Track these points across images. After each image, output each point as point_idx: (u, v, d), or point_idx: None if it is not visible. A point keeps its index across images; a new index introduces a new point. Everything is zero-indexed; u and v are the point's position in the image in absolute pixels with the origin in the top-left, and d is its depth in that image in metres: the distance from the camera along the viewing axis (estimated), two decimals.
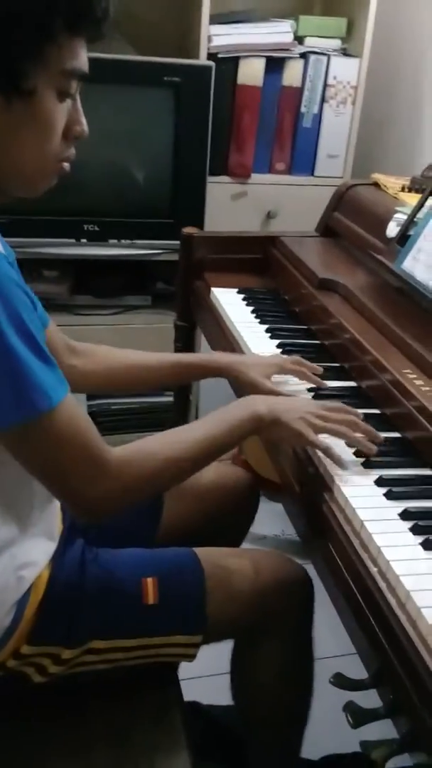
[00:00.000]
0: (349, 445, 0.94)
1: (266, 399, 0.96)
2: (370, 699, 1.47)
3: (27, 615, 0.87)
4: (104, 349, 1.13)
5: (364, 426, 0.94)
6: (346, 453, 0.94)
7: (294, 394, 1.09)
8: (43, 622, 0.87)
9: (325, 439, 0.93)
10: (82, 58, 0.74)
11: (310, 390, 1.12)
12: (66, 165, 0.80)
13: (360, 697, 1.45)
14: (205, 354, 1.20)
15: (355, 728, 1.37)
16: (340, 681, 1.43)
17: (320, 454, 0.92)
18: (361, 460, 0.93)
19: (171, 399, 2.03)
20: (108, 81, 0.74)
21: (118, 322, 1.97)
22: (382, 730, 1.43)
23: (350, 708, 1.40)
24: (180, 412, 1.86)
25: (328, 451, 0.91)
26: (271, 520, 1.25)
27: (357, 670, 1.51)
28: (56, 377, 0.74)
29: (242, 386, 1.10)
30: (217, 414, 0.92)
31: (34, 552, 0.89)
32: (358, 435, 0.93)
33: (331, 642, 1.10)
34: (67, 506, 0.82)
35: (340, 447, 0.94)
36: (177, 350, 1.71)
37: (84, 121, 0.79)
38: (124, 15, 0.78)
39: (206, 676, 1.13)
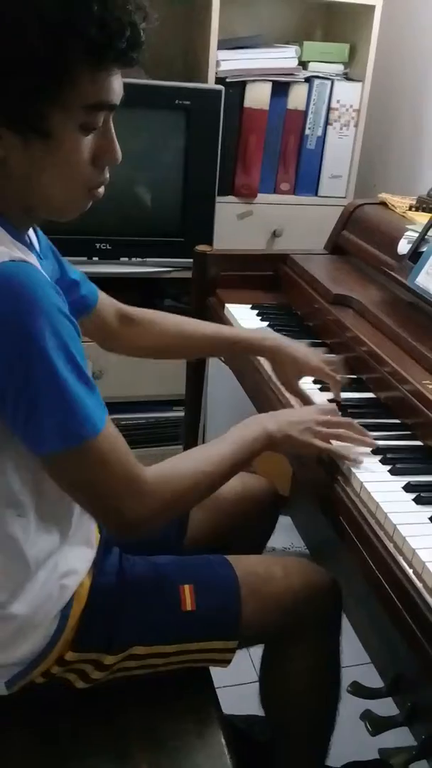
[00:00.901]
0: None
1: (273, 416, 0.99)
2: (386, 707, 1.50)
3: (71, 623, 0.89)
4: (156, 316, 1.20)
5: (359, 427, 1.00)
6: (371, 460, 0.97)
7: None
8: (86, 629, 0.89)
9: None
10: (109, 89, 0.72)
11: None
12: (100, 191, 0.80)
13: (376, 705, 1.48)
14: (249, 332, 1.24)
15: (374, 735, 1.40)
16: (358, 690, 1.47)
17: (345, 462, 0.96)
18: (389, 467, 0.96)
19: (181, 414, 2.06)
20: (122, 103, 0.77)
21: None
22: (399, 738, 1.45)
23: (368, 716, 1.43)
24: (190, 428, 1.89)
25: (335, 454, 0.96)
26: (279, 533, 1.29)
27: (372, 680, 1.54)
28: (98, 402, 0.76)
29: (281, 372, 1.17)
30: (234, 432, 0.95)
31: (75, 560, 0.91)
32: (356, 435, 0.98)
33: (346, 652, 1.12)
34: (106, 526, 0.84)
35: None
36: (189, 364, 1.74)
37: (116, 147, 0.77)
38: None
39: (224, 686, 1.15)
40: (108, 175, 0.80)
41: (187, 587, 0.94)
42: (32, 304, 0.69)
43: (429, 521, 0.87)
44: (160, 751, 0.90)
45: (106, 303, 1.14)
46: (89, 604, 0.90)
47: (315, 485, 1.01)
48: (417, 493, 0.91)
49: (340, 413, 1.05)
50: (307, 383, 1.20)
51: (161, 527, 0.88)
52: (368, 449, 0.99)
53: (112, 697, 0.95)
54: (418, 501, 0.90)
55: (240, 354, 1.26)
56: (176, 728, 0.92)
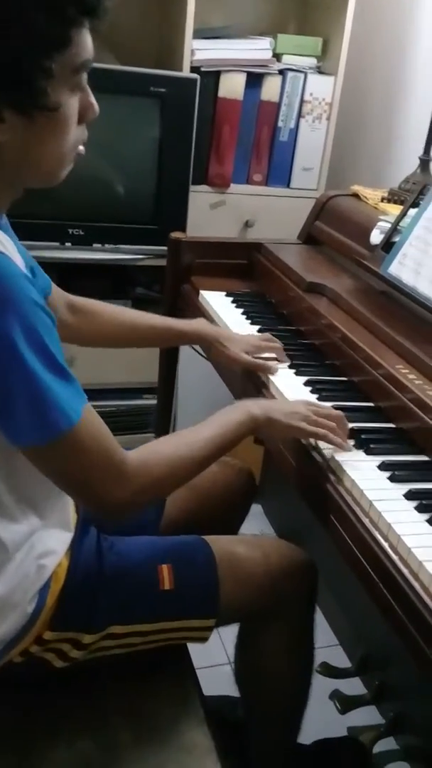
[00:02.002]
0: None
1: (258, 401, 1.00)
2: (354, 687, 1.54)
3: (49, 602, 0.89)
4: (101, 306, 1.21)
5: (347, 424, 1.00)
6: (348, 441, 1.00)
7: (271, 366, 1.20)
8: (64, 609, 0.90)
9: None
10: (88, 46, 0.74)
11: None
12: (81, 148, 0.81)
13: (344, 685, 1.52)
14: (192, 322, 1.29)
15: (343, 714, 1.43)
16: (327, 670, 1.50)
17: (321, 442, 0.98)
18: (363, 448, 0.99)
19: (151, 402, 2.07)
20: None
21: None
22: (367, 716, 1.50)
23: (337, 696, 1.47)
24: (161, 415, 1.90)
25: (327, 438, 0.96)
26: (249, 520, 1.31)
27: (340, 661, 1.58)
28: (75, 391, 0.76)
29: (223, 358, 1.23)
30: (217, 417, 0.95)
31: (53, 541, 0.91)
32: (340, 432, 0.98)
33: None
34: (92, 510, 0.85)
35: None
36: (162, 351, 1.75)
37: (94, 101, 0.79)
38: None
39: (197, 668, 1.17)
40: (86, 132, 0.81)
41: (165, 567, 0.95)
42: (4, 298, 0.69)
43: (403, 497, 0.89)
44: (141, 726, 0.91)
45: (57, 293, 1.14)
46: (67, 584, 0.91)
47: (292, 469, 1.03)
48: (391, 472, 0.94)
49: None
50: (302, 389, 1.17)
51: (144, 509, 0.89)
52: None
53: (90, 676, 0.96)
54: (392, 479, 0.93)
55: (184, 344, 1.34)
56: (156, 703, 0.94)
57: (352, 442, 1.00)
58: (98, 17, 0.72)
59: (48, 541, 0.90)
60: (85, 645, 0.91)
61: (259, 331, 1.36)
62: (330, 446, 0.97)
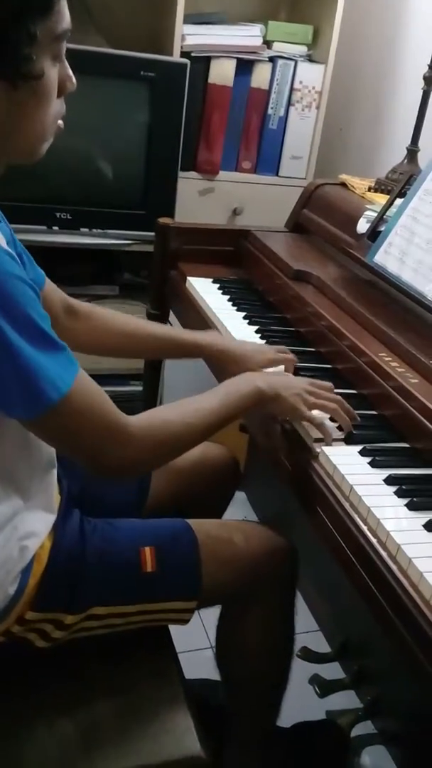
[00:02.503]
0: (331, 419, 1.02)
1: (263, 376, 1.02)
2: (334, 672, 1.56)
3: (31, 583, 0.90)
4: (104, 313, 1.15)
5: (347, 405, 1.02)
6: (329, 425, 1.01)
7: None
8: (46, 590, 0.90)
9: None
10: (67, 16, 0.75)
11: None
12: (61, 122, 0.82)
13: (324, 669, 1.54)
14: (199, 335, 1.20)
15: (322, 698, 1.45)
16: (307, 654, 1.52)
17: (307, 428, 0.99)
18: (344, 434, 1.00)
19: (137, 389, 2.07)
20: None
21: None
22: (345, 700, 1.52)
23: (317, 680, 1.49)
24: (147, 403, 1.90)
25: (321, 427, 0.97)
26: (233, 507, 1.33)
27: (320, 646, 1.59)
28: (64, 361, 0.76)
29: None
30: (223, 388, 0.97)
31: (35, 523, 0.92)
32: (342, 413, 1.00)
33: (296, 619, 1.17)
34: (92, 471, 0.85)
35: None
36: None
37: (71, 73, 0.80)
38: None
39: (180, 653, 1.18)
40: (64, 106, 0.82)
41: (147, 549, 0.96)
42: None
43: (383, 483, 0.91)
44: (122, 706, 0.92)
45: (53, 292, 1.09)
46: (50, 565, 0.91)
47: (276, 453, 1.04)
48: (372, 457, 0.95)
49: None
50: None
51: (143, 474, 0.92)
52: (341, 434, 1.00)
53: (72, 657, 0.96)
54: (373, 464, 0.94)
55: (188, 357, 1.20)
56: (137, 684, 0.95)
57: (334, 424, 1.01)
58: None
59: (31, 522, 0.91)
60: (67, 625, 0.92)
61: (245, 317, 1.36)
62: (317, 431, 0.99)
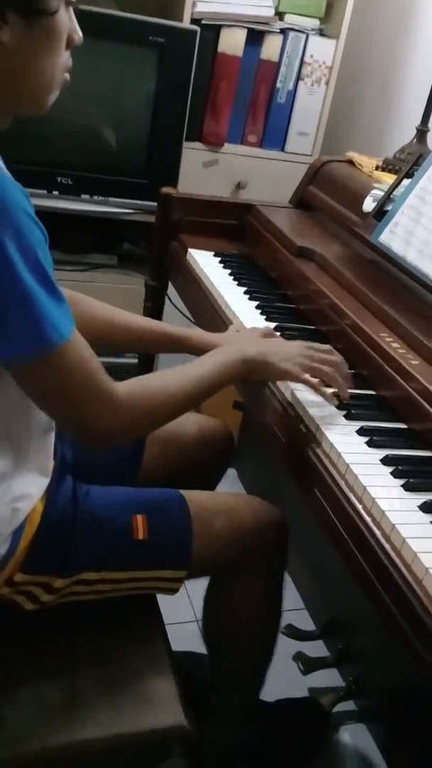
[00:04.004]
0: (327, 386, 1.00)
1: (253, 342, 1.01)
2: (318, 650, 1.57)
3: (22, 545, 0.89)
4: (89, 302, 1.12)
5: (346, 370, 1.01)
6: (329, 406, 1.00)
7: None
8: (37, 552, 0.90)
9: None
10: None
11: None
12: (67, 75, 0.82)
13: (308, 647, 1.55)
14: (189, 330, 1.18)
15: (305, 675, 1.46)
16: (292, 632, 1.53)
17: (303, 404, 0.98)
18: (344, 411, 0.99)
19: (133, 360, 2.05)
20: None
21: (83, 279, 1.97)
22: (328, 678, 1.53)
23: (301, 657, 1.50)
24: (142, 374, 1.89)
25: (316, 388, 0.97)
26: (224, 484, 1.32)
27: (305, 625, 1.60)
28: (66, 313, 0.76)
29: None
30: (210, 356, 0.97)
31: (29, 485, 0.91)
32: (340, 378, 0.99)
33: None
34: (77, 436, 0.85)
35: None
36: (146, 310, 1.73)
37: (78, 27, 0.80)
38: None
39: (167, 624, 1.19)
40: (71, 59, 0.82)
41: (140, 517, 0.95)
42: (0, 205, 0.68)
43: (380, 462, 0.90)
44: (106, 673, 0.92)
45: None
46: (41, 528, 0.91)
47: (271, 428, 1.04)
48: (369, 437, 0.94)
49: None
50: None
51: (129, 440, 0.90)
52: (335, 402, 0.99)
53: (59, 622, 0.96)
54: (370, 444, 0.93)
55: (174, 351, 1.16)
56: (123, 652, 0.95)
57: (335, 403, 1.00)
58: None
59: (24, 484, 0.90)
60: (57, 589, 0.92)
61: (246, 293, 1.35)
62: (315, 400, 0.97)
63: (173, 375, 0.91)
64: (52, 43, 0.76)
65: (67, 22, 0.77)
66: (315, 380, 0.97)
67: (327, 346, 1.03)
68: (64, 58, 0.79)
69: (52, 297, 0.74)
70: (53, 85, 0.79)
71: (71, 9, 0.78)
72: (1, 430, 0.86)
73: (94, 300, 1.13)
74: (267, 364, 0.97)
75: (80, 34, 0.80)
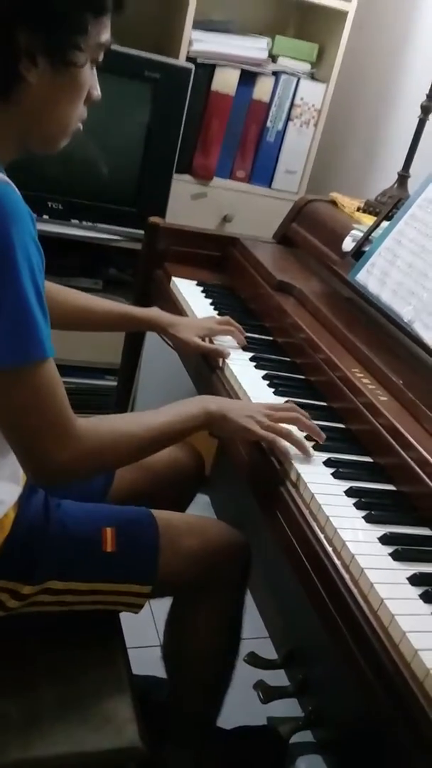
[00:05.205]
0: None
1: (216, 399, 1.03)
2: (278, 679, 1.57)
3: None
4: (60, 288, 1.22)
5: (309, 423, 1.01)
6: (298, 434, 1.02)
7: (224, 350, 1.23)
8: (6, 558, 0.92)
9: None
10: (108, 31, 0.82)
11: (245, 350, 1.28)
12: (80, 125, 0.87)
13: (269, 676, 1.56)
14: (148, 310, 1.32)
15: (265, 703, 1.47)
16: (254, 660, 1.54)
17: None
18: (312, 443, 1.02)
19: (112, 383, 2.08)
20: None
21: None
22: (287, 708, 1.53)
23: (261, 685, 1.50)
24: (120, 398, 1.91)
25: (274, 444, 0.97)
26: (195, 509, 1.34)
27: (267, 653, 1.61)
28: (49, 334, 0.79)
29: (176, 343, 1.28)
30: (173, 407, 0.97)
31: (1, 493, 0.93)
32: (306, 420, 1.00)
33: (246, 625, 1.18)
34: (27, 466, 0.85)
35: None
36: (128, 334, 1.76)
37: (98, 85, 0.86)
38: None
39: (129, 648, 1.19)
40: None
41: (109, 529, 0.97)
42: (12, 224, 0.73)
43: (344, 494, 0.93)
44: (65, 691, 0.93)
45: None
46: (11, 535, 0.93)
47: (241, 457, 1.06)
48: (336, 468, 0.97)
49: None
50: (264, 392, 1.15)
51: (79, 480, 0.90)
52: (309, 450, 0.99)
53: (21, 638, 0.97)
54: (336, 475, 0.96)
55: (141, 329, 1.36)
56: (83, 670, 0.96)
57: (302, 434, 1.02)
58: (122, 8, 0.82)
59: None
60: (24, 596, 0.93)
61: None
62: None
63: (135, 419, 0.94)
64: (73, 94, 0.82)
65: (90, 78, 0.83)
66: (271, 437, 0.97)
67: (288, 405, 1.04)
68: (81, 109, 0.85)
69: (43, 316, 0.77)
70: (67, 131, 0.85)
71: (95, 68, 0.84)
72: None
73: (61, 287, 1.23)
74: (226, 420, 0.97)
75: (99, 91, 0.86)
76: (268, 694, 1.46)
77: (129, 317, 1.30)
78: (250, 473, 1.04)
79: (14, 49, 0.75)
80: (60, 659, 0.97)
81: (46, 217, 1.85)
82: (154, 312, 1.32)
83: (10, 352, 0.76)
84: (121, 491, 1.15)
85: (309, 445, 1.00)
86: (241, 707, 1.31)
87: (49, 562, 0.94)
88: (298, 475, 0.94)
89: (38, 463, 0.83)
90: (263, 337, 1.37)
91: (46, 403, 0.79)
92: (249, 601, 1.20)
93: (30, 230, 0.76)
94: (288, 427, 0.99)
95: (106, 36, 0.82)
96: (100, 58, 0.84)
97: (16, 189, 0.79)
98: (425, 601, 0.77)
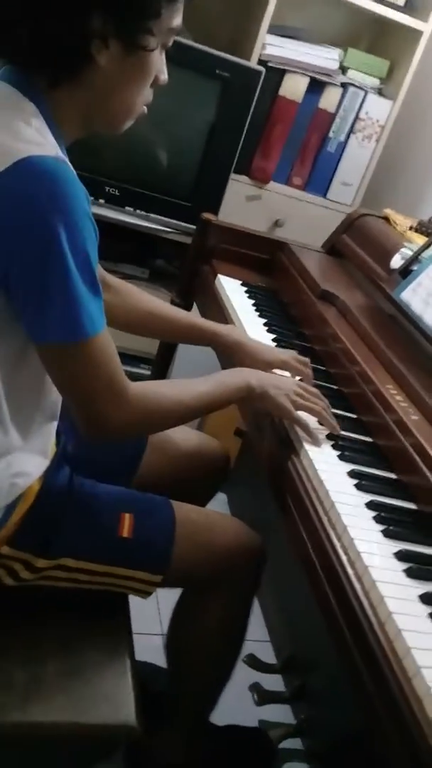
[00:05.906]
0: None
1: (257, 373, 1.07)
2: (274, 684, 1.58)
3: (13, 519, 0.93)
4: (132, 290, 1.21)
5: (331, 413, 1.07)
6: (324, 442, 1.04)
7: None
8: (26, 530, 0.94)
9: None
10: (181, 16, 0.84)
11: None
12: (145, 108, 0.89)
13: (265, 680, 1.56)
14: (217, 325, 1.24)
15: (259, 706, 1.48)
16: (253, 662, 1.55)
17: (301, 440, 1.02)
18: (338, 452, 1.03)
19: (147, 372, 2.10)
20: (166, 59, 0.88)
21: None
22: (279, 714, 1.54)
23: (257, 688, 1.51)
24: None
25: (307, 428, 1.02)
26: (213, 506, 1.35)
27: (267, 657, 1.62)
28: (101, 308, 0.82)
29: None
30: (216, 376, 1.02)
31: (29, 464, 0.95)
32: (327, 415, 1.05)
33: (248, 627, 1.19)
34: (84, 425, 0.88)
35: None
36: None
37: (165, 70, 0.88)
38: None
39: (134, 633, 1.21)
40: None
41: (127, 515, 0.99)
42: (64, 200, 0.75)
43: (364, 506, 0.93)
44: (70, 664, 0.95)
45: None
46: (34, 507, 0.95)
47: (267, 454, 1.08)
48: (359, 480, 0.98)
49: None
50: None
51: (130, 438, 0.98)
52: (325, 434, 1.05)
53: (33, 608, 0.99)
54: (358, 487, 0.97)
55: (204, 344, 1.24)
56: (88, 646, 0.97)
57: (331, 443, 1.04)
58: None
59: (25, 462, 0.94)
60: (38, 569, 0.95)
61: (266, 324, 1.39)
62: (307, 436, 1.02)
63: (181, 385, 0.98)
64: (141, 77, 0.84)
65: (158, 62, 0.85)
66: (304, 422, 1.02)
67: (316, 390, 1.10)
68: (147, 93, 0.87)
69: (92, 291, 0.80)
70: (132, 114, 0.87)
71: (164, 53, 0.86)
72: (14, 402, 0.89)
73: (136, 289, 1.22)
74: (266, 396, 1.03)
75: (166, 75, 0.88)
76: (262, 696, 1.47)
77: (197, 328, 1.22)
78: (272, 473, 1.05)
79: (87, 32, 0.77)
80: (67, 632, 0.99)
81: (102, 201, 1.88)
82: (220, 328, 1.22)
83: (64, 332, 0.79)
84: (145, 478, 1.17)
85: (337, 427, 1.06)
86: (234, 707, 1.32)
87: (66, 539, 0.96)
88: (321, 482, 0.95)
89: (93, 422, 0.88)
90: (301, 343, 1.38)
91: (98, 371, 0.83)
92: (254, 604, 1.22)
93: (84, 207, 0.78)
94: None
95: (177, 21, 0.83)
96: (170, 42, 0.85)
97: (72, 168, 0.81)
98: None
